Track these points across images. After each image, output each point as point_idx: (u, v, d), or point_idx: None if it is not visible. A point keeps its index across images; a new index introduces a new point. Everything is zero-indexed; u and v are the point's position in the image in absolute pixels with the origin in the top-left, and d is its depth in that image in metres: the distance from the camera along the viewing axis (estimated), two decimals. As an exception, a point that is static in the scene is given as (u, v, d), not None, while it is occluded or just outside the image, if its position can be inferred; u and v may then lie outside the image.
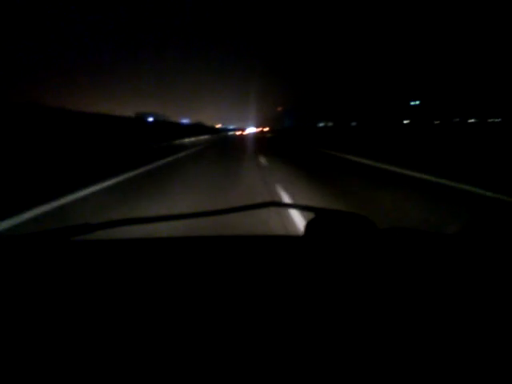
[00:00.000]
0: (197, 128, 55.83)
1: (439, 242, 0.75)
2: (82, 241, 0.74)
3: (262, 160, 9.42)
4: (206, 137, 44.28)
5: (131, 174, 7.00)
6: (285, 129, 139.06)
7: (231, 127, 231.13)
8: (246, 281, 0.56)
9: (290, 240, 0.76)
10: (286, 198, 4.25)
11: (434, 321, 0.44)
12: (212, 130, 79.27)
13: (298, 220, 3.19)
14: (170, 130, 28.92)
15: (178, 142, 26.21)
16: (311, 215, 0.75)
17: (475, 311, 0.46)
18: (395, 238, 0.74)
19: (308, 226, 0.73)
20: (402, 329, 0.43)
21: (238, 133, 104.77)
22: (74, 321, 0.45)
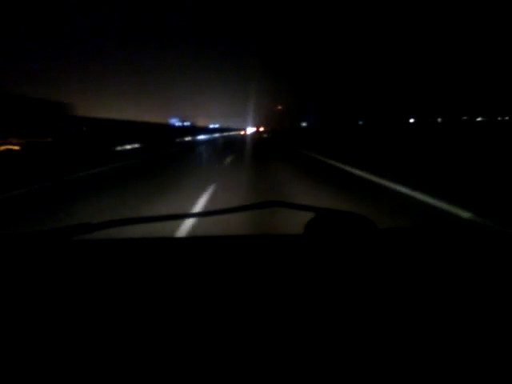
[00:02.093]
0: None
1: (439, 241, 0.78)
2: (82, 241, 0.76)
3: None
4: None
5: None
6: (301, 130, 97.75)
7: (213, 126, 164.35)
8: (245, 280, 0.57)
9: (290, 239, 0.79)
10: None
11: (434, 320, 0.45)
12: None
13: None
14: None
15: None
16: (311, 215, 0.78)
17: (475, 311, 0.47)
18: (395, 237, 0.77)
19: (308, 225, 0.76)
20: (402, 328, 0.43)
21: (241, 132, 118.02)
22: (75, 321, 0.46)
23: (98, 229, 0.73)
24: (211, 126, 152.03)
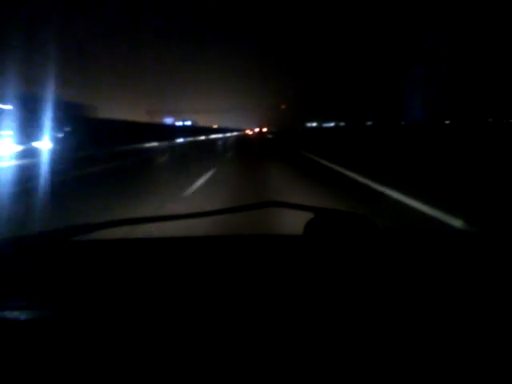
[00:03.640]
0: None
1: (440, 240, 0.80)
2: (82, 241, 0.78)
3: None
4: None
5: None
6: (308, 131, 76.60)
7: (181, 123, 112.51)
8: (245, 280, 0.58)
9: (290, 239, 0.81)
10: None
11: (436, 320, 0.46)
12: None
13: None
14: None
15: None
16: (311, 215, 0.80)
17: (477, 311, 0.48)
18: (395, 237, 0.79)
19: (307, 225, 0.78)
20: (403, 328, 0.44)
21: (249, 132, 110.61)
22: (74, 321, 0.47)
23: (98, 229, 0.75)
24: (178, 124, 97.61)
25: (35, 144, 16.84)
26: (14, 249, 0.73)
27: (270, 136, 52.85)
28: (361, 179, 6.56)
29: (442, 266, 0.63)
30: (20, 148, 15.29)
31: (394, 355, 0.40)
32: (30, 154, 14.00)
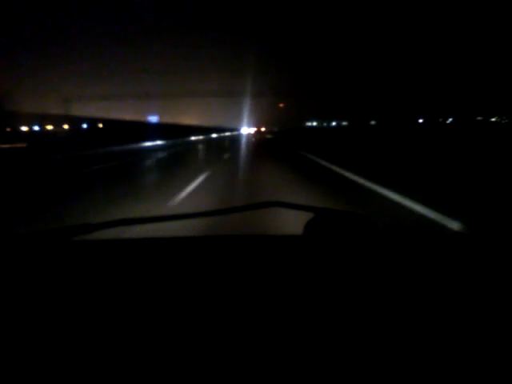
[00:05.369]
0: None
1: (440, 241, 0.81)
2: (82, 241, 0.80)
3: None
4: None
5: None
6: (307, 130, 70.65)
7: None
8: (245, 280, 0.59)
9: (290, 240, 0.82)
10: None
11: (435, 320, 0.47)
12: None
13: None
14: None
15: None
16: (311, 215, 0.81)
17: (476, 311, 0.49)
18: (396, 237, 0.80)
19: (307, 225, 0.79)
20: (403, 328, 0.45)
21: (252, 131, 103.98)
22: (74, 320, 0.48)
23: (98, 229, 0.76)
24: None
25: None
26: (14, 248, 0.74)
27: (269, 136, 49.26)
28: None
29: (441, 266, 0.65)
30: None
31: (393, 354, 0.40)
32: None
